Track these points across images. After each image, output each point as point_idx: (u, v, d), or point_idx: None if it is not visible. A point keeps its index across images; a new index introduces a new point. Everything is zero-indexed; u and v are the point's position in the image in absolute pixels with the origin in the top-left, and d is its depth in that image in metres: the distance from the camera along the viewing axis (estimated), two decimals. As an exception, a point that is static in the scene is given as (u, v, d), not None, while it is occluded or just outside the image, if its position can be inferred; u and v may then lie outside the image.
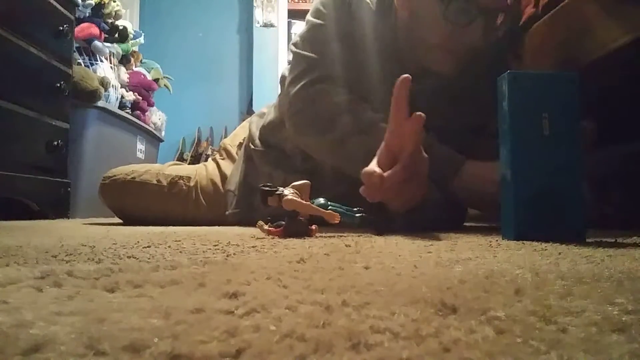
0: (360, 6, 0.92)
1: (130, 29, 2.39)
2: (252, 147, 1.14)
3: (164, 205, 1.17)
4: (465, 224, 1.28)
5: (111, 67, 2.23)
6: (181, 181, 1.21)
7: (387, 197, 0.69)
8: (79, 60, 2.03)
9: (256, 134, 1.14)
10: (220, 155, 1.33)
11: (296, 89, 0.90)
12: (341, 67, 0.89)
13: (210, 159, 1.38)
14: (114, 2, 2.21)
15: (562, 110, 0.63)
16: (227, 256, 0.42)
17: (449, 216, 0.96)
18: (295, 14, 3.63)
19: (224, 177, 1.24)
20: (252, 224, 1.10)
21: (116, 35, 2.28)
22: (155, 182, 1.19)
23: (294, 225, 0.66)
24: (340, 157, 0.87)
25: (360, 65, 0.91)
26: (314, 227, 0.68)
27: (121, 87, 2.30)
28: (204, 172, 1.25)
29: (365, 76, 0.91)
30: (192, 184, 1.21)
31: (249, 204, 1.11)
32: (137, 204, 1.18)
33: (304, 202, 0.66)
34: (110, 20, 2.23)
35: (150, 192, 1.18)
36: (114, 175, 1.21)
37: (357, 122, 0.83)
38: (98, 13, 2.15)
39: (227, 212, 1.15)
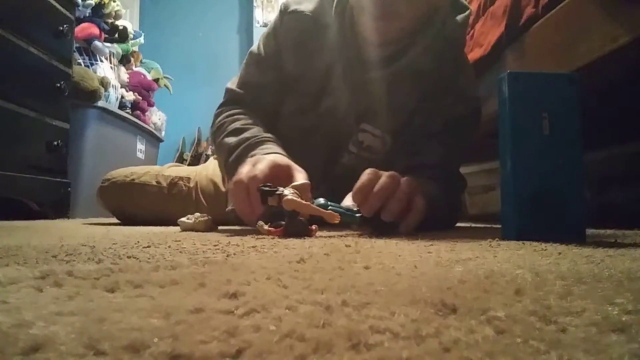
0: (292, 21, 0.97)
1: (130, 29, 2.39)
2: None
3: (164, 206, 1.17)
4: (465, 224, 1.28)
5: (111, 67, 2.23)
6: (181, 182, 1.21)
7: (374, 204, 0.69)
8: (79, 60, 2.03)
9: None
10: None
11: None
12: (257, 88, 1.00)
13: (212, 158, 1.38)
14: (114, 2, 2.21)
15: (562, 110, 0.63)
16: (227, 256, 0.41)
17: (448, 216, 0.96)
18: (295, 14, 3.63)
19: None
20: (252, 222, 1.10)
21: (116, 35, 2.28)
22: (154, 183, 1.19)
23: (294, 225, 0.66)
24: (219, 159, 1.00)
25: (315, 68, 0.96)
26: (314, 227, 0.68)
27: (121, 87, 2.30)
28: (204, 172, 1.25)
29: (324, 73, 0.96)
30: (192, 184, 1.21)
31: None
32: (137, 206, 1.18)
33: (304, 202, 0.66)
34: (110, 20, 2.23)
35: (150, 194, 1.18)
36: (113, 178, 1.20)
37: (223, 130, 0.93)
38: (98, 13, 2.15)
39: (227, 209, 1.15)
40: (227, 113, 0.97)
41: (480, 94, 1.04)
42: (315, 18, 0.95)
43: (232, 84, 1.04)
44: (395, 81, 0.91)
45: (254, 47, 1.05)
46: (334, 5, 0.94)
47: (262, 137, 0.85)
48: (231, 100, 1.02)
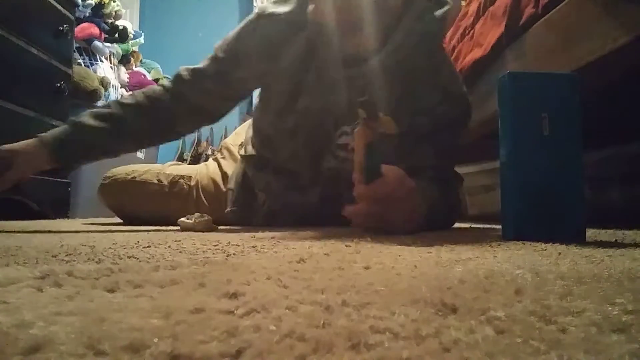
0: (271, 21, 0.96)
1: (130, 29, 2.39)
2: (243, 152, 1.15)
3: (164, 204, 1.17)
4: (465, 224, 1.28)
5: (111, 67, 2.23)
6: (182, 180, 1.21)
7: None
8: (79, 60, 2.03)
9: (250, 139, 1.15)
10: (222, 154, 1.33)
11: None
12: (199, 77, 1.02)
13: (211, 159, 1.38)
14: (114, 2, 2.21)
15: (562, 110, 0.63)
16: (227, 256, 0.41)
17: (448, 217, 0.95)
18: (295, 14, 3.64)
19: (224, 176, 1.24)
20: (250, 222, 1.10)
21: (116, 35, 2.28)
22: (156, 181, 1.19)
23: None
24: None
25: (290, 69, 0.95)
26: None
27: (121, 87, 2.30)
28: (204, 171, 1.25)
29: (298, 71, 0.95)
30: (192, 183, 1.21)
31: (247, 203, 1.11)
32: (138, 204, 1.18)
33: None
34: (110, 20, 2.23)
35: (151, 192, 1.18)
36: (115, 175, 1.21)
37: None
38: (98, 13, 2.15)
39: (226, 210, 1.15)
40: (135, 102, 0.98)
41: (482, 93, 1.03)
42: (290, 20, 0.94)
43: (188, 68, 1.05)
44: (370, 80, 0.90)
45: (217, 45, 1.04)
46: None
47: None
48: (172, 82, 1.02)
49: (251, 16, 1.00)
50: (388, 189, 0.66)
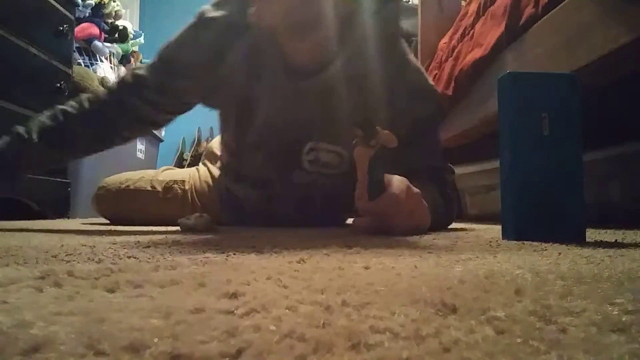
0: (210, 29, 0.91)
1: (130, 29, 2.39)
2: (220, 164, 1.14)
3: (160, 210, 1.17)
4: (465, 224, 1.28)
5: (111, 67, 2.24)
6: (176, 185, 1.20)
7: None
8: (79, 60, 2.03)
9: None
10: (209, 159, 1.33)
11: None
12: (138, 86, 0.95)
13: (201, 163, 1.37)
14: (114, 2, 2.21)
15: (562, 110, 0.63)
16: (227, 256, 0.41)
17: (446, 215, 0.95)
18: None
19: (215, 179, 1.24)
20: (243, 224, 1.10)
21: (116, 35, 2.28)
22: (149, 188, 1.19)
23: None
24: None
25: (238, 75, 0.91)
26: None
27: (121, 87, 2.31)
28: (197, 174, 1.25)
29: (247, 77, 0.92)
30: (187, 187, 1.21)
31: (237, 208, 1.11)
32: (133, 211, 1.17)
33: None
34: (110, 20, 2.24)
35: (145, 199, 1.18)
36: (108, 185, 1.20)
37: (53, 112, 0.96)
38: (98, 13, 2.15)
39: (220, 214, 1.15)
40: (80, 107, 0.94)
41: (482, 93, 1.03)
42: (230, 23, 0.89)
43: (136, 70, 0.98)
44: (329, 91, 0.86)
45: (161, 49, 0.96)
46: None
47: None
48: (117, 84, 0.98)
49: (192, 21, 0.94)
50: (395, 204, 0.64)
